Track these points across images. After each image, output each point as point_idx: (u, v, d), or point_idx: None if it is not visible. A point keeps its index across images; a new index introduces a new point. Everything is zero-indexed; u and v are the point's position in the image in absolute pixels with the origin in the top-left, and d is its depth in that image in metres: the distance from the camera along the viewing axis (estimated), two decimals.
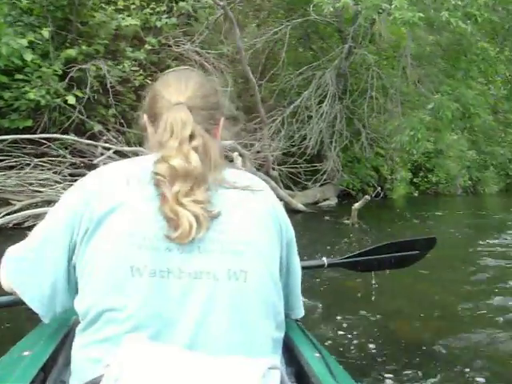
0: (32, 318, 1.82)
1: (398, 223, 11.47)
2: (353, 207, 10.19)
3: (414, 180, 21.56)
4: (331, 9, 10.58)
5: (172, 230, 1.22)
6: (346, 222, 10.29)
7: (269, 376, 1.09)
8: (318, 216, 11.83)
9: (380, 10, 10.90)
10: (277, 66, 13.14)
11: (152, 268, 1.23)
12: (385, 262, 2.99)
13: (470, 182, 25.08)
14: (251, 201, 1.36)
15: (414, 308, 4.57)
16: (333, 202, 14.70)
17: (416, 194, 21.46)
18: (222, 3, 10.64)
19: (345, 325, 3.95)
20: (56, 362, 1.50)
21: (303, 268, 2.28)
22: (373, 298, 4.46)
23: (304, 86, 14.04)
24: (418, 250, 3.07)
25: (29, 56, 8.69)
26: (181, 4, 11.00)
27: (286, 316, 1.47)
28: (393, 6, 9.55)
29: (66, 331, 1.67)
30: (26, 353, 1.52)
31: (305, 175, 13.77)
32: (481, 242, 8.28)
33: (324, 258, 2.70)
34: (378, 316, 4.22)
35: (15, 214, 7.52)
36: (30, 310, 1.46)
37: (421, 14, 9.66)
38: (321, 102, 13.66)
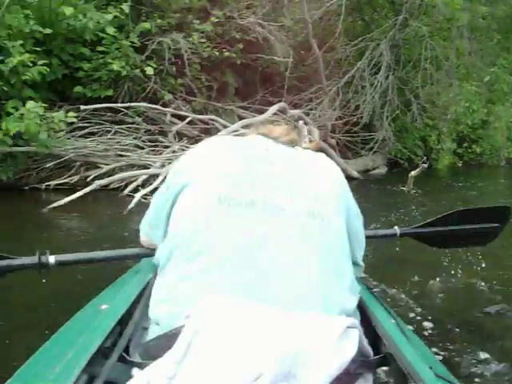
0: (110, 274, 2.31)
1: (449, 192, 11.94)
2: (410, 175, 10.64)
3: (458, 151, 21.78)
4: None
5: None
6: (403, 188, 10.80)
7: (347, 335, 1.15)
8: (372, 183, 12.48)
9: None
10: (332, 37, 13.61)
11: (238, 198, 1.42)
12: (463, 236, 2.87)
13: None
14: (324, 162, 1.68)
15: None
16: (383, 170, 15.17)
17: (460, 165, 21.74)
18: None
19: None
20: (132, 316, 1.55)
21: (375, 237, 2.62)
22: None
23: (358, 57, 14.51)
24: (496, 221, 2.85)
25: (111, 30, 9.40)
26: None
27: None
28: None
29: (142, 287, 1.77)
30: (103, 306, 1.65)
31: (358, 144, 14.38)
32: None
33: (396, 227, 2.63)
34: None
35: (111, 177, 8.33)
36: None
37: None
38: (375, 73, 14.15)
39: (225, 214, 1.38)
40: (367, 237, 1.86)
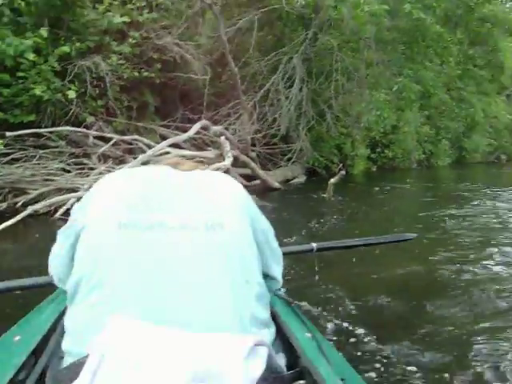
0: (24, 305, 2.22)
1: (365, 197, 12.62)
2: (329, 182, 11.20)
3: (372, 156, 22.77)
4: (303, 2, 11.83)
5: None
6: (324, 195, 11.30)
7: (256, 352, 1.14)
8: (293, 192, 12.99)
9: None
10: (247, 53, 14.12)
11: (138, 222, 1.42)
12: (377, 243, 3.47)
13: (423, 156, 26.62)
14: (223, 179, 1.70)
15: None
16: (302, 179, 15.73)
17: (374, 169, 22.75)
18: (208, 1, 11.64)
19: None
20: (46, 346, 1.53)
21: (292, 252, 2.70)
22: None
23: (273, 72, 15.12)
24: (401, 241, 3.51)
25: (30, 55, 9.51)
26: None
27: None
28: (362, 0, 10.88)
29: (57, 315, 1.75)
30: (16, 338, 1.61)
31: (278, 155, 14.94)
32: (434, 212, 9.33)
33: (313, 244, 2.72)
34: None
35: (42, 202, 8.44)
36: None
37: (386, 7, 11.00)
38: (290, 86, 14.77)
39: (125, 239, 1.40)
40: (285, 253, 1.91)
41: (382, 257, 5.45)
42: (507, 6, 18.00)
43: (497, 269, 5.26)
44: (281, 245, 1.82)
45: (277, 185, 12.85)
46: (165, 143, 10.12)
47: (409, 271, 5.24)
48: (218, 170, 9.98)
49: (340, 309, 4.05)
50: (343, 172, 11.91)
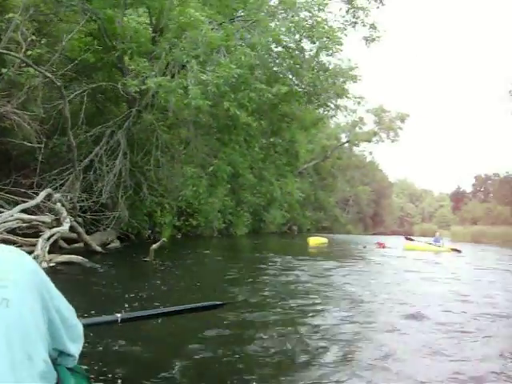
0: None
1: (178, 259, 14.69)
2: (151, 248, 12.88)
3: (177, 224, 24.88)
4: (137, 89, 13.96)
5: None
6: (145, 259, 12.85)
7: None
8: (114, 255, 14.63)
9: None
10: (75, 126, 15.67)
11: None
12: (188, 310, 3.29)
13: (224, 225, 29.53)
14: (12, 253, 1.58)
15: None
16: (117, 243, 17.37)
17: (179, 236, 24.87)
18: (50, 75, 13.15)
19: None
20: None
21: (94, 324, 2.58)
22: None
23: (97, 143, 16.78)
24: (211, 309, 3.53)
25: None
26: (3, 70, 13.19)
27: (57, 363, 1.63)
28: (190, 97, 13.26)
29: None
30: None
31: (98, 221, 16.44)
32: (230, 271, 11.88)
33: (118, 314, 2.63)
34: None
35: None
36: None
37: (209, 102, 13.54)
38: (115, 158, 16.50)
39: None
40: (87, 325, 1.95)
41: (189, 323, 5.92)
42: (303, 106, 22.23)
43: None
44: (85, 316, 2.05)
45: (98, 248, 14.35)
46: (17, 208, 11.31)
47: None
48: (56, 233, 11.45)
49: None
50: (164, 239, 13.80)
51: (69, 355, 1.69)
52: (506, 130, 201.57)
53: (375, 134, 66.59)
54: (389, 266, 16.94)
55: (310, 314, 7.48)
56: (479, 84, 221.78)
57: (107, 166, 16.33)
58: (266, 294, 9.22)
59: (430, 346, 5.72)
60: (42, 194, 12.40)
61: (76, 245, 14.12)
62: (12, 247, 1.60)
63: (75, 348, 1.71)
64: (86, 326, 1.83)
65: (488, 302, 9.27)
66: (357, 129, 65.60)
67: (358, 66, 25.42)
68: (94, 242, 15.03)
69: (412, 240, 30.48)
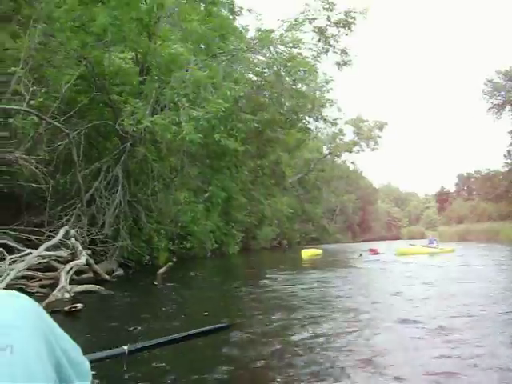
0: None
1: (179, 282, 15.53)
2: (158, 272, 14.19)
3: (171, 248, 26.06)
4: (134, 129, 15.47)
5: None
6: (154, 283, 14.05)
7: None
8: (122, 282, 15.77)
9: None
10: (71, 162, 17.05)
11: None
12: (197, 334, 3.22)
13: (216, 245, 30.84)
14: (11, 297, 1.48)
15: None
16: (120, 271, 18.29)
17: (175, 259, 26.02)
18: (59, 124, 14.57)
19: None
20: None
21: (101, 360, 2.54)
22: None
23: (95, 178, 18.19)
24: (218, 331, 3.46)
25: None
26: (10, 120, 14.60)
27: None
28: (184, 132, 14.80)
29: None
30: None
31: (103, 251, 17.77)
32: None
33: (125, 347, 2.60)
34: None
35: None
36: None
37: (201, 135, 15.14)
38: (114, 190, 17.89)
39: None
40: (93, 360, 2.01)
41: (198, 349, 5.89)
42: (286, 131, 24.32)
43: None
44: (93, 350, 2.09)
45: (107, 277, 15.61)
46: (42, 247, 12.64)
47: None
48: (75, 266, 12.77)
49: None
50: (171, 263, 15.08)
51: None
52: (484, 128, 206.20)
53: (355, 143, 68.75)
54: (391, 273, 17.79)
55: (321, 328, 7.49)
56: (456, 84, 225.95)
57: (107, 198, 17.68)
58: (270, 310, 9.48)
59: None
60: (61, 232, 13.69)
61: (84, 276, 15.36)
62: (13, 291, 1.51)
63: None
64: (92, 362, 1.80)
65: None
66: (337, 140, 67.58)
67: (332, 88, 27.82)
68: (102, 271, 16.05)
69: (414, 245, 31.78)
